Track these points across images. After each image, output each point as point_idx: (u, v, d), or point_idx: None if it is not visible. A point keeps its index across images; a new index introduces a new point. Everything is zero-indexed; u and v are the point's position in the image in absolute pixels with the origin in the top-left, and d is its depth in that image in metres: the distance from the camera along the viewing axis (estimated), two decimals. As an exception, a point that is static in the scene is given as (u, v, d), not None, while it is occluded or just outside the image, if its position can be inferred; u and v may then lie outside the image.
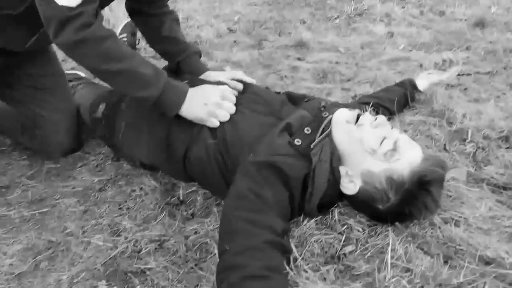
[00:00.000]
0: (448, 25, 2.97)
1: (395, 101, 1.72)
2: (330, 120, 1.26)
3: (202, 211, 1.32)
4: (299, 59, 2.50)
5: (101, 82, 1.65)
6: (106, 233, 1.26)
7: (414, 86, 1.81)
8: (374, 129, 1.19)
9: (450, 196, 1.29)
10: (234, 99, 1.36)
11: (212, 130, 1.30)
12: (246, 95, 1.42)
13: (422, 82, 1.84)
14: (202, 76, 1.64)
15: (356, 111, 1.26)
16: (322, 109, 1.31)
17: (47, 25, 1.20)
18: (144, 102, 1.33)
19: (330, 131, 1.23)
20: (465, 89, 1.99)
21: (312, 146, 1.18)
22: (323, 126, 1.23)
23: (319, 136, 1.21)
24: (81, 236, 1.26)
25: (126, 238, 1.22)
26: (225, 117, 1.30)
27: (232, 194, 1.09)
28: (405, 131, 1.67)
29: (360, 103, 1.66)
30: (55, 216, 1.36)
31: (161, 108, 1.33)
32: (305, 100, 1.40)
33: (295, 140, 1.19)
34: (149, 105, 1.32)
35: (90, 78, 2.02)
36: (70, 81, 1.93)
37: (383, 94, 1.74)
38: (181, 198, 1.39)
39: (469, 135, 1.57)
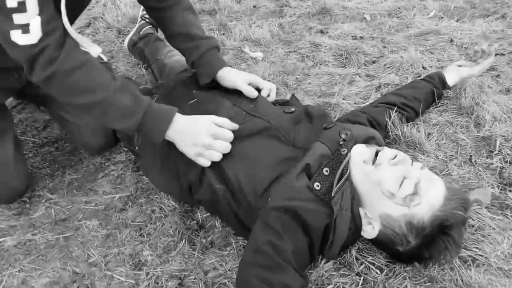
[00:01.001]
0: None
1: (422, 100, 1.65)
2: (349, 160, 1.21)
3: (221, 240, 1.33)
4: (321, 31, 2.38)
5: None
6: (128, 266, 1.29)
7: (443, 82, 1.71)
8: (392, 168, 1.14)
9: (473, 226, 1.27)
10: (230, 137, 1.26)
11: (219, 170, 1.25)
12: (257, 121, 1.34)
13: (452, 75, 1.74)
14: (219, 74, 1.54)
15: (375, 148, 1.20)
16: (341, 143, 1.25)
17: (20, 64, 1.16)
18: (126, 132, 1.32)
19: (349, 173, 1.19)
20: (498, 76, 1.87)
21: (333, 194, 1.14)
22: (342, 167, 1.19)
23: (338, 180, 1.16)
24: (104, 268, 1.29)
25: (147, 274, 1.25)
26: (218, 157, 1.23)
27: (250, 247, 1.09)
28: (430, 134, 1.61)
29: (386, 104, 1.60)
30: (79, 241, 1.39)
31: (146, 136, 1.31)
32: (324, 126, 1.33)
33: (315, 184, 1.15)
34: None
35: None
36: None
37: (409, 92, 1.66)
38: (200, 222, 1.40)
39: (497, 146, 1.50)
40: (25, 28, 1.07)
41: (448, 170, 1.45)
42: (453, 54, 2.06)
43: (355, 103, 1.82)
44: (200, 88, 1.54)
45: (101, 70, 1.22)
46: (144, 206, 1.48)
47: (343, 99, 1.85)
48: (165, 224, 1.40)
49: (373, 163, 1.18)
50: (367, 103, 1.78)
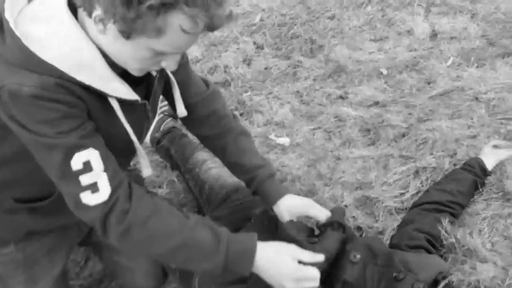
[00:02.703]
0: (497, 7, 2.68)
1: (467, 194, 1.66)
2: None
3: None
4: (341, 97, 2.35)
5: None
6: None
7: (483, 170, 1.71)
8: None
9: None
10: (316, 276, 1.18)
11: None
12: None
13: (490, 160, 1.74)
14: (275, 208, 1.46)
15: None
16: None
17: (93, 226, 1.10)
18: (211, 273, 1.24)
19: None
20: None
21: None
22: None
23: None
24: None
25: None
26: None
27: None
28: (480, 230, 1.60)
29: (431, 203, 1.61)
30: None
31: (233, 272, 1.20)
32: (394, 276, 1.32)
33: None
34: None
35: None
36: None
37: (452, 187, 1.66)
38: None
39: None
40: (94, 188, 1.02)
41: (510, 279, 1.45)
42: (482, 116, 2.04)
43: (395, 196, 1.81)
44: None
45: (173, 211, 1.17)
46: None
47: (383, 190, 1.84)
48: None
49: None
50: (408, 195, 1.79)
